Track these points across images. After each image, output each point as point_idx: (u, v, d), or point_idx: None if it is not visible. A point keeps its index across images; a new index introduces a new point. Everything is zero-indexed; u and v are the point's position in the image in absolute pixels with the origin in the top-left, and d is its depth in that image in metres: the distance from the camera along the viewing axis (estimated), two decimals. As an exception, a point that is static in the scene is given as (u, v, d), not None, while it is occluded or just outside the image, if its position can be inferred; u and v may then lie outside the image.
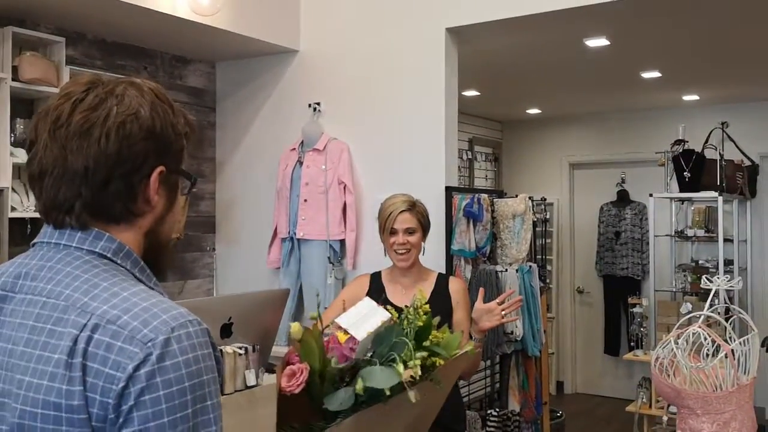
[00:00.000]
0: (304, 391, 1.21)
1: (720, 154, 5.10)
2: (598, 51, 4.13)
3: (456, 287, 2.53)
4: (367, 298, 1.40)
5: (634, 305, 5.11)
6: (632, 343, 5.08)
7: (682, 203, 5.82)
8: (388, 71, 3.78)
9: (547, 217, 4.89)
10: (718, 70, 4.93)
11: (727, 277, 1.79)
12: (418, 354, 1.26)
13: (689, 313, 4.81)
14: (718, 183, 5.01)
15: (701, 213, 5.64)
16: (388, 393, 1.18)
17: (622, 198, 6.71)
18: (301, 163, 3.84)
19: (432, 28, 3.64)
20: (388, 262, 2.62)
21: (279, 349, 2.48)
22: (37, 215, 3.11)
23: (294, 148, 3.91)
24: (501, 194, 3.93)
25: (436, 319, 1.48)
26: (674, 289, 5.46)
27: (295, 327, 1.27)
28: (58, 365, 0.85)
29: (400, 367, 1.18)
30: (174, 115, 1.01)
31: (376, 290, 2.53)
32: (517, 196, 3.72)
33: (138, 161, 0.96)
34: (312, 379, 1.21)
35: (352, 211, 3.77)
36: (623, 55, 4.33)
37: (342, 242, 3.80)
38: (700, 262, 5.62)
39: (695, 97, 5.92)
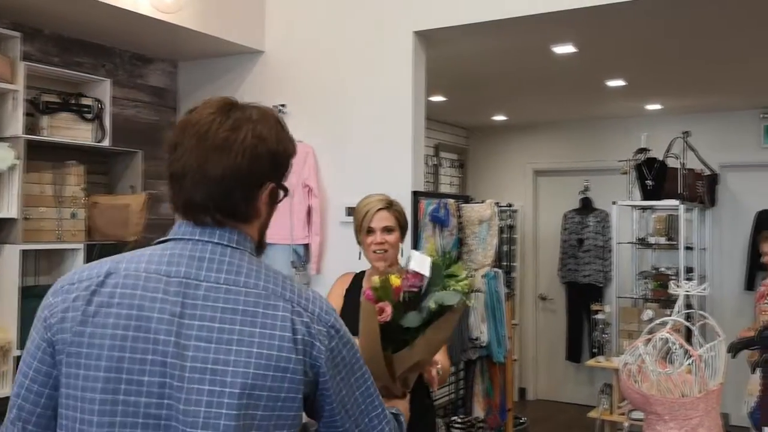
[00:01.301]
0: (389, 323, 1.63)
1: (681, 163, 5.17)
2: (565, 58, 4.15)
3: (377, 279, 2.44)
4: (417, 254, 1.70)
5: (596, 312, 5.13)
6: (594, 350, 5.11)
7: (644, 211, 5.89)
8: (355, 74, 3.74)
9: (513, 223, 4.89)
10: (680, 80, 5.00)
11: (695, 283, 1.77)
12: (460, 283, 1.67)
13: (650, 319, 4.88)
14: (680, 191, 5.08)
15: (662, 221, 5.71)
16: (454, 306, 1.63)
17: (586, 205, 6.76)
18: (265, 166, 3.76)
19: (400, 32, 3.61)
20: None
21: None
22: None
23: (258, 151, 3.83)
24: (467, 200, 3.91)
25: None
26: (636, 296, 5.51)
27: (376, 279, 1.65)
28: (283, 340, 1.11)
29: (457, 287, 1.64)
30: (289, 140, 1.25)
31: (354, 289, 2.46)
32: (483, 201, 3.71)
33: (259, 177, 1.18)
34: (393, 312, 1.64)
35: (317, 214, 3.71)
36: (589, 62, 4.35)
37: (306, 246, 3.74)
38: (661, 269, 5.68)
39: (658, 107, 6.00)
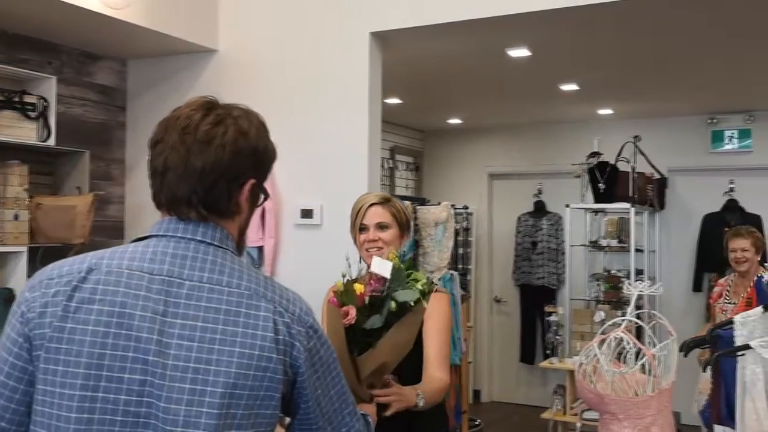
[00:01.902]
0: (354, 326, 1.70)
1: (632, 167, 5.28)
2: (520, 62, 4.18)
3: (433, 298, 2.09)
4: (378, 258, 1.76)
5: (550, 314, 5.19)
6: (548, 351, 5.16)
7: (596, 214, 5.99)
8: (311, 74, 3.69)
9: (468, 225, 4.92)
10: (631, 86, 5.10)
11: (648, 283, 1.79)
12: (419, 284, 1.74)
13: (602, 321, 4.95)
14: (631, 195, 5.18)
15: (614, 224, 5.82)
16: (412, 304, 1.69)
17: (539, 209, 6.84)
18: (217, 167, 3.69)
19: (356, 32, 3.58)
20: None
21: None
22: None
23: (211, 151, 3.75)
24: (423, 202, 3.91)
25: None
26: (588, 298, 5.59)
27: (339, 284, 1.73)
28: (265, 340, 1.13)
29: (417, 286, 1.71)
30: (270, 142, 1.28)
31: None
32: (439, 204, 3.71)
33: (240, 171, 1.20)
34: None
35: (271, 216, 3.65)
36: (543, 66, 4.40)
37: (260, 249, 3.67)
38: (612, 271, 5.78)
39: (609, 112, 6.11)
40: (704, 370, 1.78)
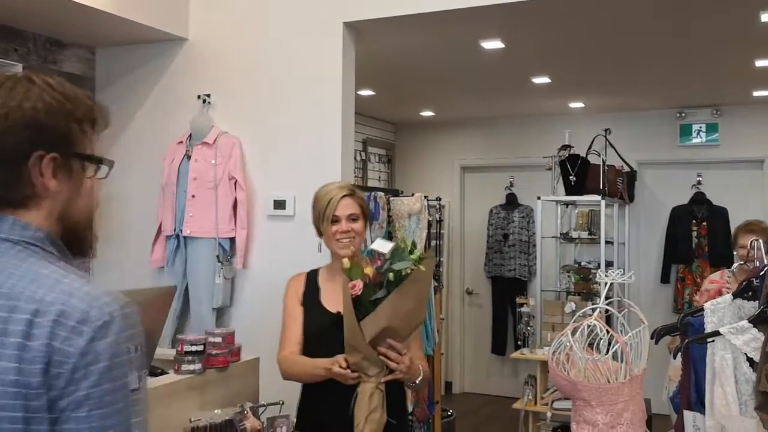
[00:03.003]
0: (360, 297, 2.01)
1: (603, 160, 5.33)
2: (493, 54, 4.19)
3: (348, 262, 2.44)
4: (380, 239, 2.10)
5: (521, 305, 5.23)
6: (519, 342, 5.20)
7: (567, 207, 6.04)
8: (284, 64, 3.66)
9: (441, 217, 4.93)
10: (602, 79, 5.15)
11: (620, 272, 1.81)
12: (413, 256, 2.02)
13: (573, 312, 5.00)
14: (601, 187, 5.23)
15: (584, 216, 5.88)
16: (408, 272, 1.96)
17: (511, 201, 6.88)
18: (189, 157, 3.65)
19: (329, 22, 3.56)
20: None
21: (165, 352, 2.32)
22: None
23: (181, 141, 3.71)
24: (396, 193, 3.91)
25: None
26: (559, 289, 5.65)
27: (347, 261, 2.02)
28: (14, 347, 0.96)
29: (412, 257, 1.98)
30: (71, 103, 1.09)
31: (310, 293, 2.37)
32: (413, 195, 3.71)
33: (20, 149, 1.03)
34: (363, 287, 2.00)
35: (243, 207, 3.62)
36: (516, 58, 4.42)
37: (232, 240, 3.64)
38: (583, 263, 5.84)
39: (581, 105, 6.16)
40: (674, 357, 1.81)
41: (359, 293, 1.97)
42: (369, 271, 1.95)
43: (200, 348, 2.15)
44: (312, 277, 2.42)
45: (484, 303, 7.14)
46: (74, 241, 1.14)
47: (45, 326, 0.97)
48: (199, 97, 3.78)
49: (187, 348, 2.13)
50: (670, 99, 5.91)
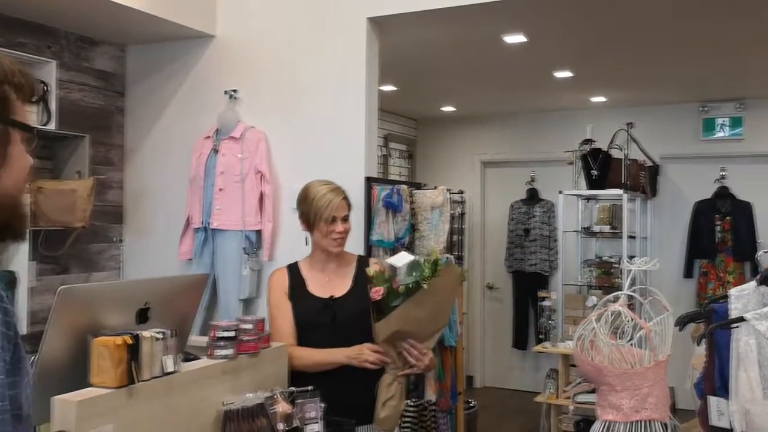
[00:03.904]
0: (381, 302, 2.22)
1: (625, 154, 5.33)
2: (516, 48, 4.22)
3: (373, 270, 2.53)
4: (403, 253, 2.28)
5: (543, 299, 5.25)
6: (541, 336, 5.23)
7: (588, 201, 6.05)
8: (309, 59, 3.72)
9: (464, 211, 4.96)
10: (624, 73, 5.15)
11: (646, 259, 1.84)
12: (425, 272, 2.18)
13: (594, 305, 5.01)
14: (624, 181, 5.23)
15: (606, 211, 5.88)
16: (413, 284, 2.17)
17: (532, 196, 6.90)
18: (216, 152, 3.72)
19: (354, 17, 3.61)
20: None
21: (197, 339, 2.39)
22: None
23: (209, 136, 3.78)
24: (419, 186, 3.95)
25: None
26: (581, 283, 5.66)
27: (371, 270, 2.29)
28: None
29: (425, 266, 2.15)
30: None
31: (297, 284, 2.49)
32: (436, 188, 3.75)
33: None
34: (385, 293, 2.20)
35: (269, 200, 3.69)
36: (538, 53, 4.44)
37: (258, 232, 3.71)
38: (604, 257, 5.85)
39: (602, 99, 6.16)
40: (698, 344, 1.83)
41: (379, 298, 2.21)
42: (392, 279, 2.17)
43: (232, 334, 2.21)
44: (294, 269, 2.54)
45: (505, 298, 7.16)
46: (7, 220, 1.07)
47: None
48: (225, 92, 3.85)
49: (220, 334, 2.18)
50: (692, 93, 5.89)
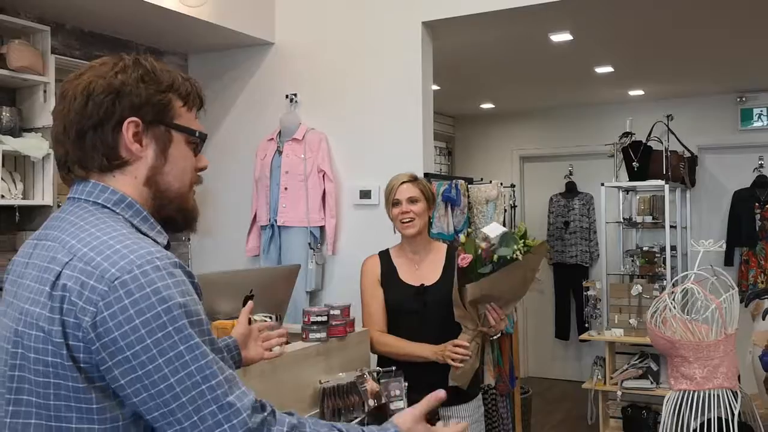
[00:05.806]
0: (467, 268, 2.32)
1: (665, 146, 5.44)
2: (561, 46, 4.36)
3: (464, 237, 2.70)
4: (495, 224, 2.35)
5: (587, 288, 5.38)
6: (586, 324, 5.36)
7: (627, 193, 6.16)
8: (365, 63, 3.90)
9: (515, 203, 5.09)
10: (663, 66, 5.26)
11: (712, 241, 2.00)
12: (519, 246, 2.25)
13: (639, 294, 5.15)
14: (664, 172, 5.35)
15: (646, 202, 6.00)
16: (510, 257, 2.23)
17: (571, 189, 7.03)
18: (280, 153, 3.93)
19: (408, 22, 3.78)
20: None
21: (291, 326, 2.60)
22: (24, 203, 3.10)
23: (272, 138, 3.99)
24: (471, 181, 4.12)
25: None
26: (624, 273, 5.78)
27: (463, 237, 2.38)
28: (43, 295, 1.02)
29: (514, 245, 2.21)
30: (155, 74, 1.14)
31: (388, 271, 2.64)
32: (491, 182, 3.92)
33: (103, 114, 1.10)
34: (473, 260, 2.29)
35: (331, 198, 3.88)
36: (582, 49, 4.57)
37: (322, 228, 3.91)
38: (645, 247, 5.96)
39: (640, 92, 6.27)
40: (764, 318, 1.99)
41: (466, 265, 2.30)
42: (484, 246, 2.24)
43: (324, 319, 2.41)
44: (385, 257, 2.70)
45: (546, 289, 7.29)
46: (169, 212, 1.18)
47: (70, 278, 1.00)
48: (286, 96, 4.05)
49: (314, 318, 2.39)
50: (729, 83, 5.98)
